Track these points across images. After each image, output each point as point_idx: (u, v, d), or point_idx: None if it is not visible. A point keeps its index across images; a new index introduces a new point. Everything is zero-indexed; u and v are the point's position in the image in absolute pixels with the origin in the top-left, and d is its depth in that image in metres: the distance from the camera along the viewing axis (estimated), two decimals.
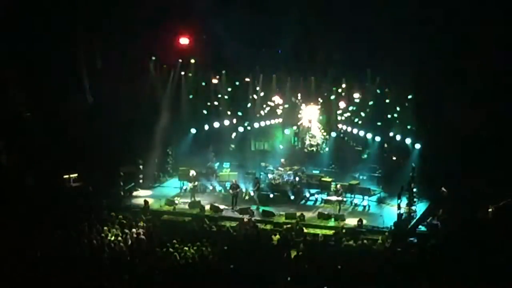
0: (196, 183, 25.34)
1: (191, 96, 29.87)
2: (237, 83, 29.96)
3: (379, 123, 27.92)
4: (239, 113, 30.25)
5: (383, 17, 23.43)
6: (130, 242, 18.87)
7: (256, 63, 28.44)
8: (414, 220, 21.78)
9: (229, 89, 30.03)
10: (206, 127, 30.22)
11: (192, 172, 25.40)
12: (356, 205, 24.68)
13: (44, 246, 17.76)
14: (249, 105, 30.39)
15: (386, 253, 18.18)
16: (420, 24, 23.02)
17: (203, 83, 29.97)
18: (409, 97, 26.47)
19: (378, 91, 27.71)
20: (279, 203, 24.59)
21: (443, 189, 22.40)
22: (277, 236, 19.87)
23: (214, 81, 29.69)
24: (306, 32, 25.78)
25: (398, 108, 27.37)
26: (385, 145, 27.91)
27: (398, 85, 26.23)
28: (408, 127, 26.60)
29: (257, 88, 29.88)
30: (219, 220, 22.49)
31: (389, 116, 27.68)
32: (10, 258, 16.53)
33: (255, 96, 30.20)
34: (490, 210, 20.49)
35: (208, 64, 28.78)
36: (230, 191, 24.54)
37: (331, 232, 21.02)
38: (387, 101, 27.60)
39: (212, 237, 19.28)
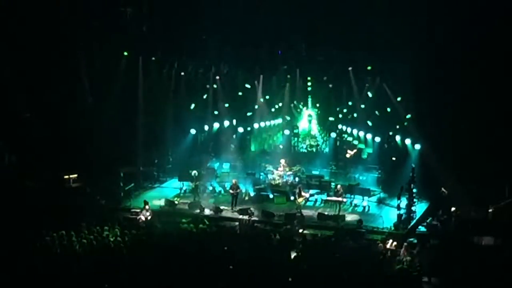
0: (198, 183, 25.34)
1: (191, 97, 29.92)
2: (238, 83, 29.97)
3: (378, 123, 27.99)
4: (239, 114, 30.27)
5: (383, 17, 23.48)
6: (130, 242, 18.89)
7: (256, 63, 28.45)
8: (414, 221, 21.77)
9: (230, 90, 30.06)
10: (206, 127, 30.29)
11: (194, 172, 25.41)
12: (356, 205, 24.67)
13: (44, 246, 17.76)
14: (249, 105, 30.43)
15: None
16: (420, 24, 23.05)
17: (204, 83, 30.02)
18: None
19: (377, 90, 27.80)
20: (279, 204, 24.62)
21: (443, 189, 22.40)
22: (277, 237, 19.85)
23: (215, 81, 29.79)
24: (306, 32, 25.82)
25: (396, 107, 27.42)
26: (385, 146, 27.92)
27: (398, 84, 26.27)
28: (405, 124, 26.67)
29: (257, 89, 29.92)
30: (219, 220, 22.49)
31: (387, 116, 27.70)
32: (10, 259, 16.52)
33: (257, 97, 30.23)
34: (490, 210, 20.52)
35: (208, 64, 28.81)
36: (230, 191, 24.54)
37: (331, 232, 21.01)
38: (387, 100, 27.59)
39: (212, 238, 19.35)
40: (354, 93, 28.48)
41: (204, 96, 30.26)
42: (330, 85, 28.96)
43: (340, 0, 24.19)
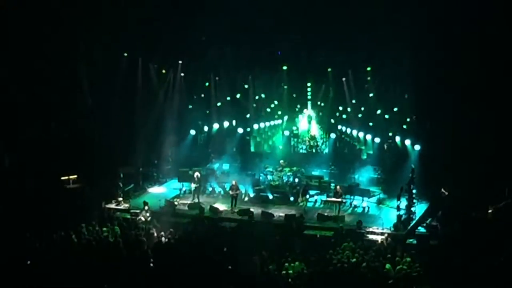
0: (200, 184, 25.34)
1: (191, 97, 29.92)
2: (237, 84, 29.95)
3: (376, 124, 27.99)
4: (239, 115, 30.26)
5: (383, 18, 23.49)
6: (129, 243, 18.88)
7: (256, 64, 28.45)
8: (414, 222, 21.76)
9: (229, 91, 30.06)
10: (206, 128, 30.29)
11: (196, 174, 25.39)
12: (355, 206, 24.66)
13: (44, 247, 17.76)
14: (248, 106, 30.42)
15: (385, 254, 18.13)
16: (420, 25, 23.05)
17: (203, 84, 30.03)
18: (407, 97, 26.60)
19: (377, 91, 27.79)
20: (278, 205, 24.62)
21: (442, 190, 22.38)
22: (277, 238, 19.84)
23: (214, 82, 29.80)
24: (306, 33, 25.80)
25: (396, 109, 27.40)
26: (385, 147, 27.91)
27: (398, 85, 26.27)
28: (405, 126, 26.65)
29: (257, 90, 29.91)
30: (218, 221, 22.49)
31: (387, 116, 27.68)
32: (10, 259, 16.52)
33: (256, 98, 30.22)
34: (490, 210, 20.50)
35: (207, 65, 28.80)
36: (230, 192, 24.53)
37: (330, 233, 21.01)
38: (387, 102, 27.58)
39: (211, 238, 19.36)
40: (354, 94, 28.43)
41: (204, 97, 30.21)
42: (330, 86, 28.93)
43: (340, 0, 24.20)
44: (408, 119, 26.72)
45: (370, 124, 28.24)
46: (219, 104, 30.35)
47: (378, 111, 27.87)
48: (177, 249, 18.24)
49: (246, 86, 30.03)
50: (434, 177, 23.34)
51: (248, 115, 30.59)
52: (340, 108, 29.58)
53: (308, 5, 24.37)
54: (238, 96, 30.25)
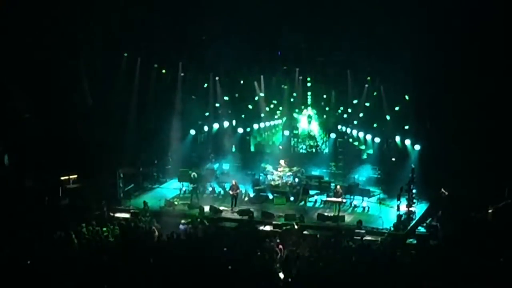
0: (197, 185, 25.33)
1: (191, 97, 29.94)
2: (237, 84, 29.95)
3: (376, 124, 28.00)
4: (239, 115, 30.27)
5: (383, 18, 23.50)
6: (129, 243, 18.89)
7: (256, 64, 28.45)
8: (414, 221, 21.77)
9: (229, 91, 30.07)
10: (206, 128, 30.29)
11: (193, 174, 25.39)
12: (355, 206, 24.66)
13: (44, 247, 17.76)
14: (249, 106, 30.43)
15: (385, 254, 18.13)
16: (420, 25, 23.05)
17: (204, 85, 30.03)
18: (408, 98, 26.60)
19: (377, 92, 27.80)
20: (278, 205, 24.61)
21: (442, 190, 22.38)
22: (277, 238, 19.84)
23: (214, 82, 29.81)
24: (306, 34, 25.83)
25: (397, 108, 27.41)
26: (385, 146, 27.92)
27: (397, 85, 26.28)
28: (407, 127, 26.66)
29: (257, 90, 29.91)
30: (218, 221, 22.49)
31: (388, 117, 27.68)
32: (10, 259, 16.52)
33: (255, 98, 30.23)
34: (489, 211, 20.50)
35: (207, 65, 28.80)
36: (230, 192, 24.53)
37: (330, 233, 21.00)
38: (386, 102, 27.59)
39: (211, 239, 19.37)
40: (354, 94, 28.43)
41: (204, 97, 30.22)
42: (330, 86, 28.94)
43: (340, 0, 24.23)
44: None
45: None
46: (218, 104, 30.31)
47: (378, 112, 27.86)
48: (177, 249, 18.23)
49: (246, 86, 29.99)
50: (434, 177, 23.33)
51: (248, 115, 30.57)
52: (340, 108, 29.58)
53: (308, 5, 24.40)
54: (237, 96, 30.24)
